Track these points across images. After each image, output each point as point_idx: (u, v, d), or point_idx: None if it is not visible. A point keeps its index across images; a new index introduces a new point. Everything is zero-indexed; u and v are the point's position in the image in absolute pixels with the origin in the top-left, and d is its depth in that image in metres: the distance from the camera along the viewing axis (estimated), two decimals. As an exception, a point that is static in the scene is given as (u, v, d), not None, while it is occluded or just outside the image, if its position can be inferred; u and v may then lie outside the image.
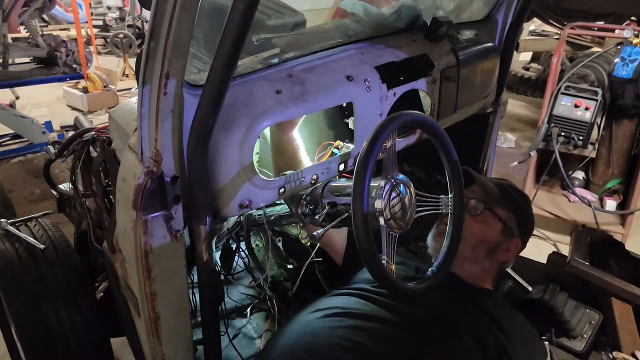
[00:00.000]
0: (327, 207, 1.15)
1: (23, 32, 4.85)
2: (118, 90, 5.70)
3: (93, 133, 1.37)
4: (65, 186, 1.76)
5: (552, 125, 2.81)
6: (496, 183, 1.33)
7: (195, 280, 1.06)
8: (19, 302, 1.42)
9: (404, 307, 1.15)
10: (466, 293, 1.23)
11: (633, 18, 4.25)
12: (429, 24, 1.47)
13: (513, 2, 1.73)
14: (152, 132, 0.89)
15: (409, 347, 1.08)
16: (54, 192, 1.81)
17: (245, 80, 1.07)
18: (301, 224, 1.53)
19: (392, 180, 1.00)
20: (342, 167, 1.22)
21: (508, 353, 1.10)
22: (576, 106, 2.76)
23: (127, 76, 6.45)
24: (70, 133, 1.49)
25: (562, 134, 2.79)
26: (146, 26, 3.17)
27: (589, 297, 1.77)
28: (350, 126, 1.27)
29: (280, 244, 1.81)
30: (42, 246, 1.49)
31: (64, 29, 8.46)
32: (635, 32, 2.64)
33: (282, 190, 1.10)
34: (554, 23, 4.67)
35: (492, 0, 1.76)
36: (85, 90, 5.28)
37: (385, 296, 1.19)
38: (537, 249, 2.82)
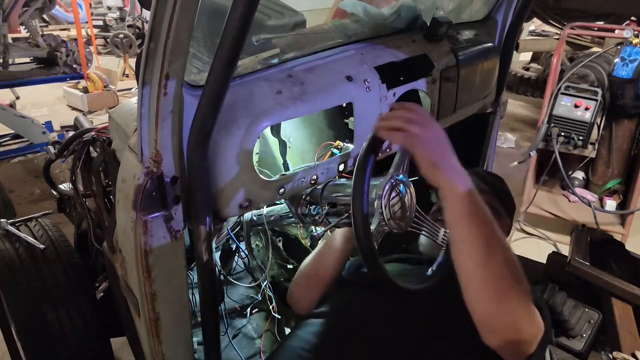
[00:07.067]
0: (327, 208, 1.15)
1: (23, 32, 4.84)
2: (118, 90, 5.70)
3: (93, 133, 1.37)
4: (65, 186, 1.76)
5: (552, 125, 2.81)
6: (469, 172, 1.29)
7: (195, 280, 1.06)
8: (19, 302, 1.41)
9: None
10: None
11: (633, 18, 4.24)
12: (428, 24, 1.47)
13: (513, 2, 1.73)
14: (152, 133, 0.89)
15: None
16: (54, 192, 1.81)
17: (245, 80, 1.07)
18: (301, 224, 1.53)
19: (392, 180, 1.00)
20: (341, 167, 1.22)
21: None
22: (576, 106, 2.76)
23: (127, 76, 6.46)
24: (71, 133, 1.49)
25: (562, 134, 2.79)
26: (146, 26, 3.16)
27: (589, 297, 1.77)
28: (350, 126, 1.28)
29: (280, 244, 1.81)
30: (42, 246, 1.49)
31: (64, 29, 8.46)
32: (635, 32, 2.64)
33: (282, 190, 1.10)
34: (554, 23, 4.67)
35: (492, 0, 1.76)
36: (85, 90, 5.28)
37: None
38: (537, 249, 2.82)
